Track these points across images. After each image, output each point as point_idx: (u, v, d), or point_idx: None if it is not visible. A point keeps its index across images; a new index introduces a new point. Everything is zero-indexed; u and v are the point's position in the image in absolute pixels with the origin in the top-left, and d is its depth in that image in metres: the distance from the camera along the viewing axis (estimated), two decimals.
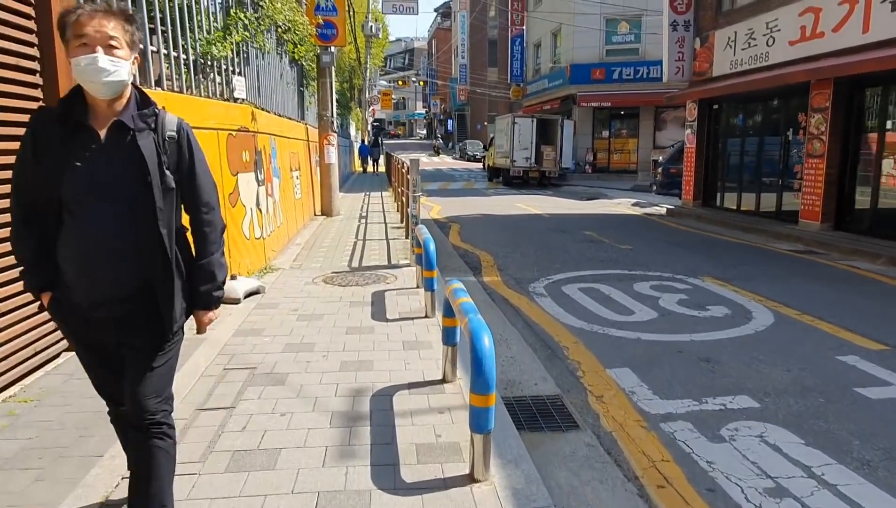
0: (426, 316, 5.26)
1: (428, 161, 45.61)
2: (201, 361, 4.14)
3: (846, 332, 5.22)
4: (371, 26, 37.32)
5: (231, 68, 6.63)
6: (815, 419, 3.54)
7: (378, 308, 5.52)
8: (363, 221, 12.02)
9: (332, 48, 12.06)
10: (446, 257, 8.62)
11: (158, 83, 5.21)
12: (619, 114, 25.44)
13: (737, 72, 12.69)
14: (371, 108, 43.57)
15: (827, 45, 10.18)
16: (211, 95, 6.16)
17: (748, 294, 6.49)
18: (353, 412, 3.34)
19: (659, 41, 23.40)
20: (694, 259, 8.65)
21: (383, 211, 13.77)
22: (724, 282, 7.09)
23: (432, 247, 5.15)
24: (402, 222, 11.52)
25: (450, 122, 66.43)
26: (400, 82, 63.85)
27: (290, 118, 10.68)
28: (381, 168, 35.26)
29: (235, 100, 6.77)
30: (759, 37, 11.92)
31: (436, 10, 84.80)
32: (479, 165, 40.65)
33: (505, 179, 24.18)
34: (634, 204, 17.50)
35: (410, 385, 3.72)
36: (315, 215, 12.69)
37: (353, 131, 35.94)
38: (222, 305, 5.65)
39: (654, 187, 17.57)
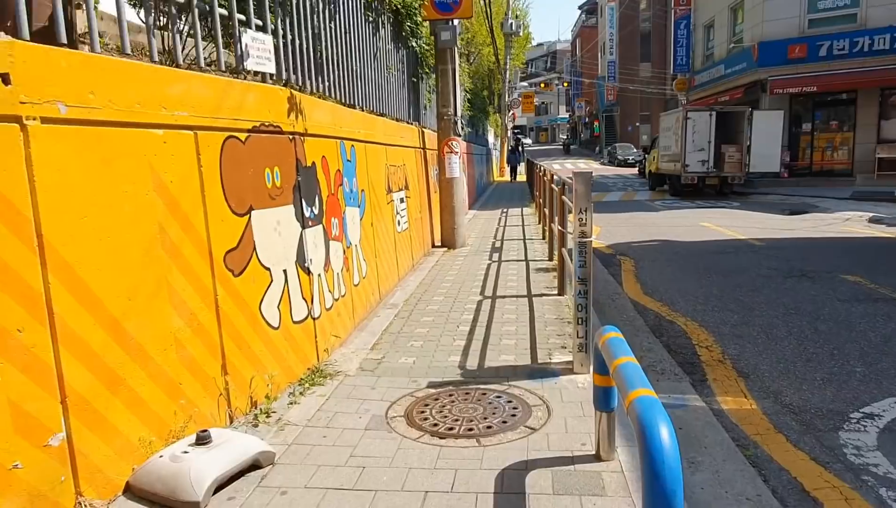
0: None
1: (573, 167, 41.58)
2: None
3: None
4: (511, 23, 34.40)
5: (240, 16, 3.61)
6: None
7: None
8: (496, 256, 8.70)
9: (455, 22, 8.93)
10: (629, 331, 5.04)
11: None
12: (825, 101, 19.92)
13: None
14: (511, 112, 40.41)
15: None
16: (184, 60, 3.18)
17: None
18: None
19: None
20: None
21: (524, 238, 10.37)
22: None
23: (667, 439, 1.69)
24: (549, 258, 8.08)
25: (596, 125, 61.57)
26: (542, 85, 60.15)
27: (396, 119, 7.69)
28: (521, 176, 32.40)
29: (254, 75, 3.76)
30: None
31: (580, 8, 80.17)
32: (632, 170, 35.99)
33: (673, 187, 19.75)
34: (873, 220, 12.57)
35: None
36: (433, 246, 9.61)
37: (491, 138, 33.05)
38: None
39: None
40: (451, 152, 9.31)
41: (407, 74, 8.50)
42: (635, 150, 44.18)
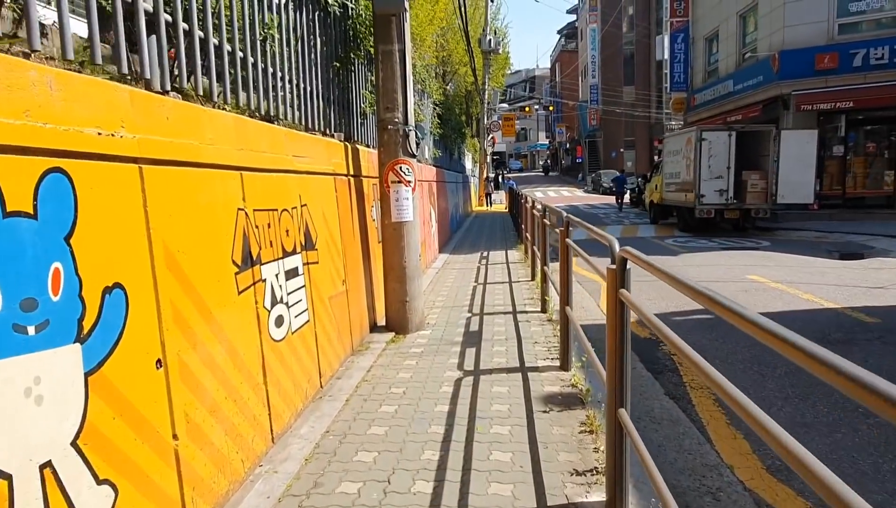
0: None
1: (556, 195, 38.64)
2: None
3: None
4: (490, 40, 31.62)
5: None
6: None
7: None
8: (472, 355, 5.23)
9: None
10: None
11: None
12: (860, 119, 16.97)
13: None
14: (490, 136, 37.37)
15: None
16: None
17: None
18: None
19: None
20: None
21: (513, 310, 6.91)
22: None
23: None
24: (562, 364, 4.66)
25: (579, 158, 58.94)
26: (527, 109, 57.47)
27: (305, 126, 4.29)
28: (501, 206, 29.99)
29: None
30: None
31: (559, 32, 78.35)
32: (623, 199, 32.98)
33: (684, 221, 16.55)
34: None
35: None
36: (374, 329, 6.12)
37: (468, 164, 29.87)
38: None
39: None
40: (400, 182, 5.87)
41: (322, 53, 5.09)
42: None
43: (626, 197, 31.07)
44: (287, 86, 4.33)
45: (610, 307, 2.67)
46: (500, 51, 34.97)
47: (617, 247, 2.77)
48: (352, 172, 5.69)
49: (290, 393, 3.83)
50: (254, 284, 3.39)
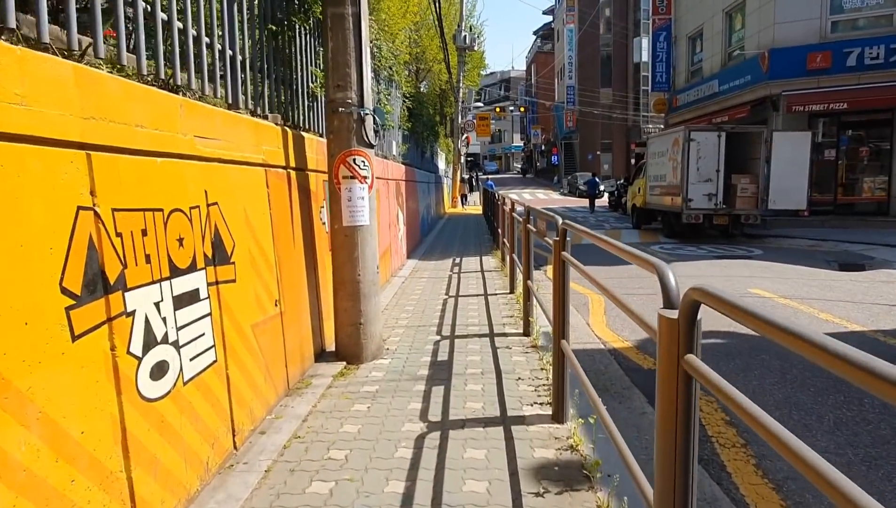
0: None
1: (532, 198, 37.82)
2: None
3: None
4: (465, 36, 30.67)
5: None
6: None
7: None
8: (439, 394, 4.14)
9: None
10: None
11: None
12: (853, 122, 16.30)
13: None
14: (465, 135, 36.36)
15: None
16: None
17: None
18: None
19: None
20: None
21: (490, 330, 5.83)
22: None
23: None
24: (555, 416, 3.59)
25: (554, 158, 58.25)
26: (497, 109, 56.42)
27: (221, 100, 3.19)
28: (475, 208, 29.29)
29: None
30: None
31: (535, 34, 77.77)
32: (599, 202, 32.25)
33: (670, 227, 15.70)
34: None
35: None
36: (321, 356, 4.99)
37: (441, 164, 28.81)
38: None
39: None
40: (354, 178, 4.75)
41: (254, 12, 3.97)
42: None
43: (605, 199, 30.41)
44: (193, 43, 3.20)
45: (664, 382, 1.60)
46: (476, 48, 34.04)
47: (674, 282, 1.69)
48: (293, 165, 4.55)
49: (178, 472, 2.69)
50: (109, 320, 2.25)
